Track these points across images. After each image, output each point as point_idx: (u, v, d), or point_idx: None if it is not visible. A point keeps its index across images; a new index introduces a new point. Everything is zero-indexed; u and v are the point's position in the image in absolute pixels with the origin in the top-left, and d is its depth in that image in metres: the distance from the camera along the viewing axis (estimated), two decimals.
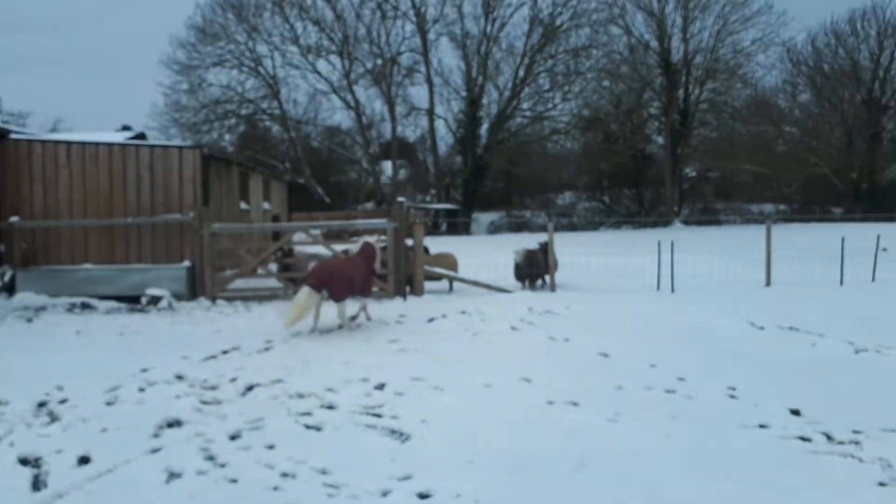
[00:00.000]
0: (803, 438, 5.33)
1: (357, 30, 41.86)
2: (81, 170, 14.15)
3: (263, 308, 12.03)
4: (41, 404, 6.33)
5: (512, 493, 4.41)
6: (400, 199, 14.43)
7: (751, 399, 6.34)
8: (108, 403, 6.34)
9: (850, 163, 43.44)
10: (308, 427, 5.63)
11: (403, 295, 12.70)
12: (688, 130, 44.41)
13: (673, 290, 13.04)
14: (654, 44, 44.13)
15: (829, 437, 5.34)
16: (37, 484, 4.64)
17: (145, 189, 14.15)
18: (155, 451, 5.15)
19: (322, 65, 43.01)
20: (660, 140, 46.53)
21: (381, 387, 6.72)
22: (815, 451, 5.10)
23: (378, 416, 5.89)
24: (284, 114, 43.54)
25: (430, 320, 10.38)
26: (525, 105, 44.43)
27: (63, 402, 6.39)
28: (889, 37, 44.26)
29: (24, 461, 5.00)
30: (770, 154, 43.95)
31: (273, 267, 14.25)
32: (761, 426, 5.61)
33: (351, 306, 10.34)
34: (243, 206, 18.13)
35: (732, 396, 6.46)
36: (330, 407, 6.13)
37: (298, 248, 15.75)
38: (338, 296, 9.67)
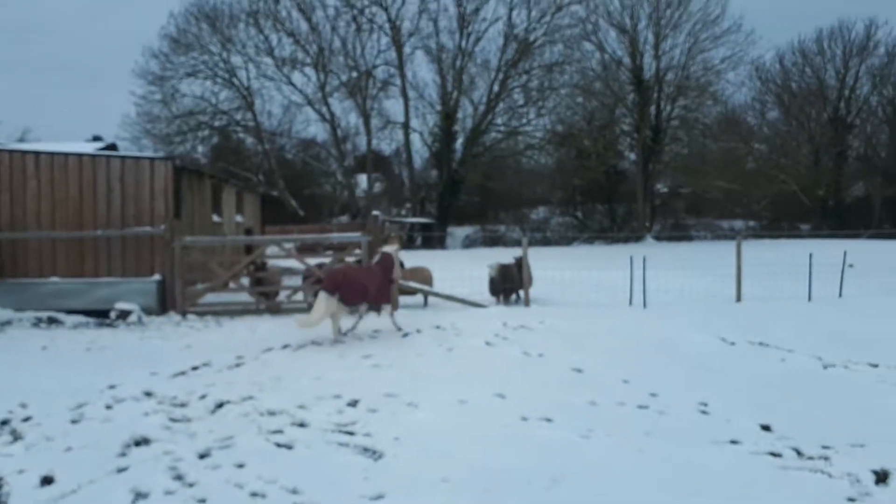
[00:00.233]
0: (774, 454, 5.37)
1: (332, 42, 41.87)
2: (50, 180, 13.91)
3: (235, 323, 11.88)
4: (3, 422, 6.18)
5: None
6: (375, 212, 14.40)
7: (722, 414, 6.39)
8: (74, 421, 6.20)
9: (818, 180, 44.36)
10: (279, 445, 5.56)
11: (377, 309, 12.63)
12: (659, 147, 44.98)
13: (645, 305, 13.14)
14: (626, 60, 44.73)
15: (798, 453, 5.40)
16: None
17: (116, 201, 13.95)
18: (121, 470, 5.04)
19: (297, 77, 42.93)
20: (632, 156, 47.04)
21: (353, 403, 6.66)
22: (786, 466, 5.15)
23: (351, 433, 5.82)
24: (258, 125, 43.31)
25: (405, 335, 10.33)
26: (500, 120, 44.71)
27: (27, 419, 6.24)
28: (854, 56, 45.49)
29: None
30: (740, 171, 44.69)
31: (245, 281, 14.11)
32: (733, 442, 5.65)
33: (348, 319, 10.44)
34: (216, 218, 17.94)
35: (704, 412, 6.50)
36: (301, 424, 6.05)
37: (271, 262, 15.63)
38: (349, 300, 9.78)
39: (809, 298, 13.56)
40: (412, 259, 17.86)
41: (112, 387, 7.33)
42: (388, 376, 7.75)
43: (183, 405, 6.70)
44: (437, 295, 13.52)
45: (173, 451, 5.39)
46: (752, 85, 48.67)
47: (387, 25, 41.72)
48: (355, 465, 5.14)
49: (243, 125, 44.26)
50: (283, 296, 13.88)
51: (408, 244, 37.69)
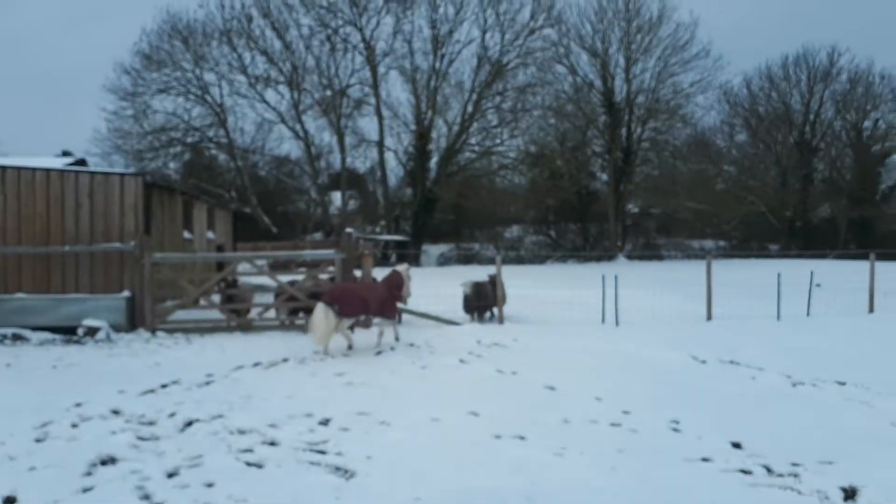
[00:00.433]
0: (744, 471, 5.41)
1: (306, 61, 41.83)
2: (17, 195, 13.67)
3: (205, 340, 11.72)
4: None
5: None
6: (348, 229, 14.35)
7: (694, 432, 6.42)
8: (38, 440, 6.04)
9: (785, 201, 45.20)
10: (249, 464, 5.46)
11: (351, 327, 12.55)
12: (630, 168, 45.57)
13: (617, 323, 13.22)
14: (597, 83, 45.35)
15: (768, 470, 5.44)
16: None
17: (84, 217, 13.74)
18: (87, 490, 4.91)
19: (270, 94, 42.77)
20: (604, 177, 47.58)
21: (325, 422, 6.58)
22: (756, 483, 5.18)
23: (322, 452, 5.75)
24: (231, 142, 43.02)
25: (378, 353, 10.28)
26: (473, 140, 44.95)
27: None
28: (818, 82, 46.57)
29: None
30: (709, 192, 45.38)
31: (216, 298, 13.95)
32: (704, 459, 5.68)
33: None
34: (186, 235, 17.75)
35: (676, 430, 6.53)
36: (272, 443, 5.97)
37: (243, 279, 15.47)
38: (346, 311, 10.32)
39: (778, 317, 13.75)
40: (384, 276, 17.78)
41: (78, 405, 7.17)
42: (360, 394, 7.69)
43: (151, 423, 6.57)
44: (411, 312, 13.48)
45: (141, 470, 5.27)
46: (721, 108, 49.65)
47: (361, 45, 41.87)
48: (326, 484, 5.07)
49: (216, 142, 43.95)
50: (254, 313, 13.74)
51: (382, 261, 37.60)
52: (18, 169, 13.92)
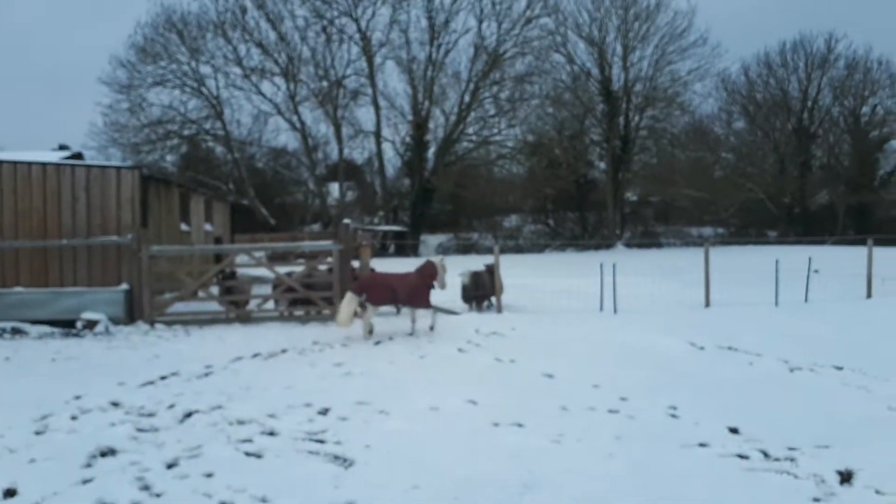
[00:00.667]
0: (741, 456, 5.44)
1: (301, 52, 41.64)
2: (13, 190, 13.64)
3: (204, 332, 11.73)
4: None
5: None
6: (346, 220, 14.34)
7: (691, 418, 6.45)
8: (38, 433, 6.06)
9: (783, 188, 45.21)
10: (248, 454, 5.49)
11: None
12: (629, 156, 45.50)
13: (616, 311, 13.25)
14: (595, 72, 45.21)
15: (765, 455, 5.47)
16: None
17: (81, 210, 13.72)
18: (86, 481, 4.93)
19: (266, 86, 42.61)
20: (602, 165, 47.50)
21: (324, 412, 6.60)
22: (753, 468, 5.21)
23: (321, 441, 5.78)
24: (228, 134, 42.88)
25: (377, 343, 10.30)
26: (471, 129, 44.84)
27: None
28: (816, 69, 46.47)
29: None
30: (708, 179, 45.36)
31: (215, 290, 13.96)
32: (701, 445, 5.71)
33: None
34: (184, 227, 17.74)
35: (674, 416, 6.56)
36: (271, 433, 5.99)
37: (241, 271, 15.47)
38: (375, 300, 10.77)
39: (776, 303, 13.78)
40: (385, 267, 17.78)
41: (78, 397, 7.19)
42: (359, 384, 7.71)
43: (150, 415, 6.59)
44: None
45: (140, 461, 5.30)
46: (719, 96, 49.57)
47: (357, 36, 41.68)
48: (325, 472, 5.10)
49: (213, 134, 43.82)
50: (253, 304, 13.76)
51: (380, 252, 37.59)
52: (15, 163, 13.89)
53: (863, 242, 16.37)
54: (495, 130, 44.73)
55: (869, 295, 14.73)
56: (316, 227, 46.79)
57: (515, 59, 42.60)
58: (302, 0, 40.64)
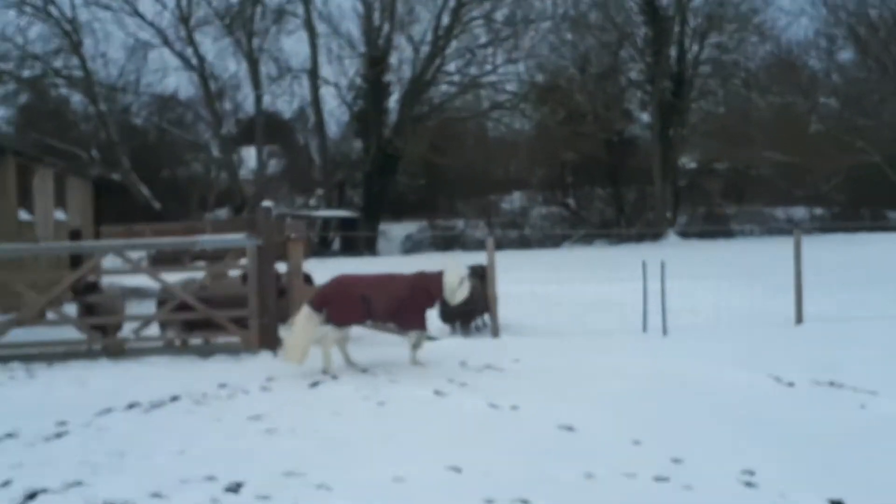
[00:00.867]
0: None
1: None
2: None
3: (55, 372, 11.65)
4: None
5: None
6: (267, 203, 14.28)
7: (775, 487, 6.49)
8: None
9: None
10: None
11: (272, 347, 12.54)
12: (684, 104, 45.75)
13: (665, 331, 13.32)
14: None
15: None
16: None
17: None
18: None
19: (147, 4, 42.45)
20: (645, 118, 47.78)
21: (235, 488, 6.58)
22: None
23: None
24: (89, 76, 42.65)
25: (314, 384, 10.27)
26: (452, 66, 45.02)
27: None
28: None
29: None
30: (800, 137, 45.63)
31: (70, 309, 13.88)
32: None
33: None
34: (23, 215, 17.62)
35: (750, 484, 6.61)
36: None
37: (109, 281, 15.40)
38: (339, 319, 10.37)
39: None
40: (326, 271, 17.76)
41: None
42: (287, 445, 7.68)
43: None
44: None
45: None
46: (816, 13, 50.16)
47: None
48: None
49: (66, 76, 43.59)
50: (127, 330, 13.67)
51: (319, 249, 37.56)
52: None
53: None
54: (488, 67, 44.92)
55: None
56: (223, 213, 46.68)
57: None
58: None
